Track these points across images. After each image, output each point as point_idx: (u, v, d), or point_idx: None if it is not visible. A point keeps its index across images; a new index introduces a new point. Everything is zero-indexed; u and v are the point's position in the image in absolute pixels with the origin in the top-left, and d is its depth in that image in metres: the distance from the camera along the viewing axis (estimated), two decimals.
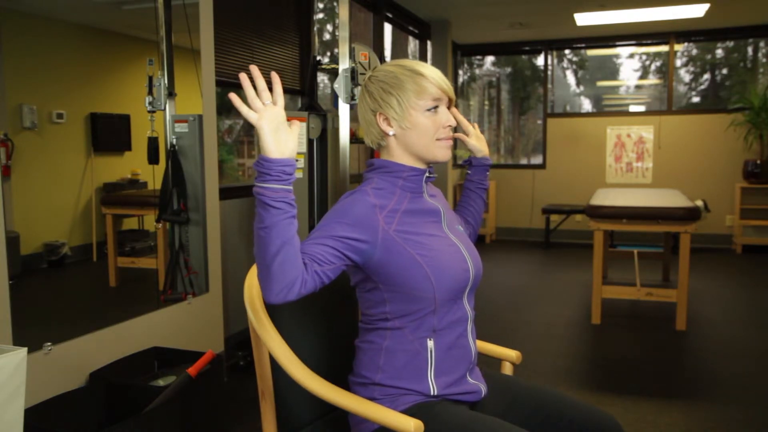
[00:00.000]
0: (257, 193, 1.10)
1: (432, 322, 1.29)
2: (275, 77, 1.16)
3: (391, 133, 1.33)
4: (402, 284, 1.26)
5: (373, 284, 1.30)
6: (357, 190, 1.31)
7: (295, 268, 1.13)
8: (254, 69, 1.13)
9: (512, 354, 1.60)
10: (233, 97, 1.12)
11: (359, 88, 3.17)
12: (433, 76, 1.31)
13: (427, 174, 1.37)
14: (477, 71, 8.27)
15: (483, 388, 1.38)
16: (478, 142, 1.68)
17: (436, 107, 1.32)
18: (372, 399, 1.30)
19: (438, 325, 1.29)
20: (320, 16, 5.14)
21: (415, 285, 1.26)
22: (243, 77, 1.11)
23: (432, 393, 1.29)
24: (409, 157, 1.35)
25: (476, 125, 1.72)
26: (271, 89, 1.14)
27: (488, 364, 1.44)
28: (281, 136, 1.11)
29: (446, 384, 1.31)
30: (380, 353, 1.31)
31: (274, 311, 1.39)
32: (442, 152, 1.33)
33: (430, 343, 1.29)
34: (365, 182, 1.35)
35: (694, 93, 7.46)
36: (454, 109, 1.47)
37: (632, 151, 7.07)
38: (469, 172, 1.71)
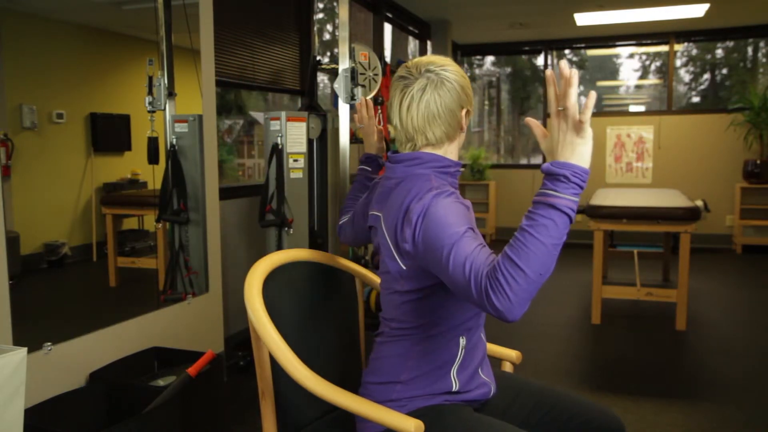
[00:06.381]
0: (567, 206, 1.03)
1: (467, 320, 1.29)
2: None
3: None
4: None
5: (441, 286, 1.23)
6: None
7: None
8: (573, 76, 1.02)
9: (512, 354, 1.60)
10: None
11: (358, 88, 3.18)
12: None
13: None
14: (477, 71, 8.27)
15: (492, 386, 1.38)
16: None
17: None
18: (389, 400, 1.30)
19: (471, 322, 1.30)
20: (320, 16, 5.14)
21: None
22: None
23: (454, 389, 1.30)
24: None
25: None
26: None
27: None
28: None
29: (465, 379, 1.31)
30: (409, 356, 1.29)
31: (274, 311, 1.39)
32: None
33: (462, 341, 1.30)
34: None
35: (694, 93, 7.46)
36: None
37: (632, 151, 7.07)
38: None
